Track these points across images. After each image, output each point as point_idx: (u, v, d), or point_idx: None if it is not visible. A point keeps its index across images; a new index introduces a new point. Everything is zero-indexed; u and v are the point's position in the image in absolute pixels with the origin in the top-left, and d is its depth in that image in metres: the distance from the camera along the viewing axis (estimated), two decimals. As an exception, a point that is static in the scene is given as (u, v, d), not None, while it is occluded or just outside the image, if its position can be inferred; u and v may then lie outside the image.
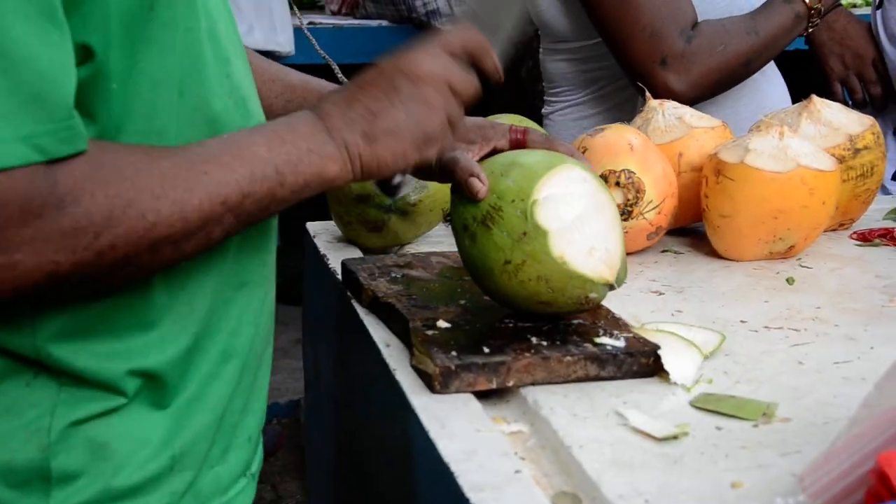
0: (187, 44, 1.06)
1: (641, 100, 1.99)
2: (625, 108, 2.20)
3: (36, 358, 1.04)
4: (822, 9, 2.10)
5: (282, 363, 4.32)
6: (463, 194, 1.31)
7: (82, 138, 0.95)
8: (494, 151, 1.41)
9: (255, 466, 1.24)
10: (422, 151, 1.14)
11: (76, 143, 0.95)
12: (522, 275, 1.27)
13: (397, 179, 1.24)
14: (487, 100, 2.40)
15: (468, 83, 1.18)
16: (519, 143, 1.41)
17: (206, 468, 1.14)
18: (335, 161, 1.09)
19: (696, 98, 2.02)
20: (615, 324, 1.33)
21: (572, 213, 1.28)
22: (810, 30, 2.13)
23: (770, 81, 2.27)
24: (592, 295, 1.29)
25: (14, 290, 0.94)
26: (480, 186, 1.30)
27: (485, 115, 1.82)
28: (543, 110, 2.35)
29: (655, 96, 1.93)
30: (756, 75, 2.14)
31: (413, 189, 1.71)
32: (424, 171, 1.40)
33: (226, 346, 1.15)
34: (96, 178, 0.96)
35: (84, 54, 0.98)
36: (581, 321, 1.33)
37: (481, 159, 1.39)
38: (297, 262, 2.04)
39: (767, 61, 2.13)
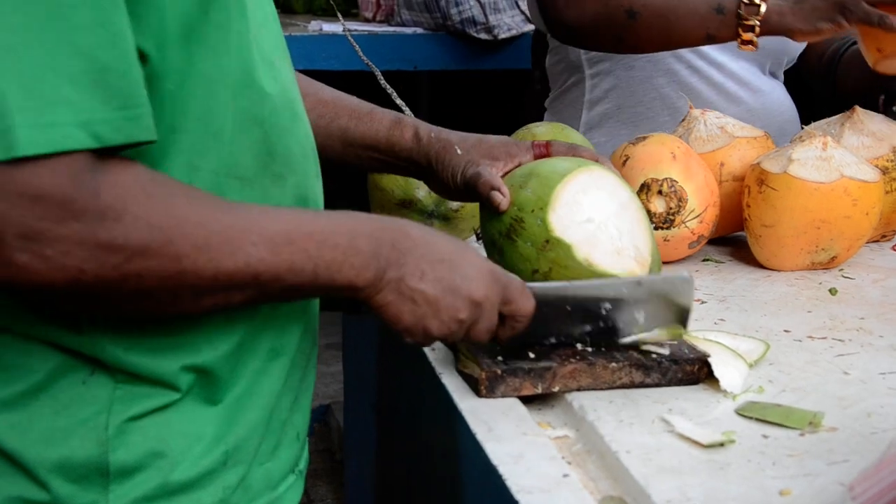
0: (239, 45, 1.08)
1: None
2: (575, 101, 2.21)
3: (92, 355, 1.06)
4: (760, 17, 1.84)
5: (312, 368, 4.34)
6: (488, 209, 1.33)
7: (148, 129, 0.97)
8: None
9: (303, 464, 1.26)
10: (409, 333, 1.15)
11: (138, 132, 0.96)
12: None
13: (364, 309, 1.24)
14: (528, 107, 2.40)
15: (482, 335, 1.19)
16: (543, 156, 1.43)
17: (257, 464, 1.16)
18: (366, 282, 1.10)
19: (579, 33, 1.98)
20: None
21: (594, 214, 1.29)
22: (744, 35, 1.86)
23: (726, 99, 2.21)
24: None
25: (32, 286, 0.94)
26: (501, 199, 1.33)
27: (523, 123, 1.84)
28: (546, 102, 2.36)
29: (551, 29, 1.99)
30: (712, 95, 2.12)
31: None
32: (448, 190, 1.43)
33: (274, 344, 1.16)
34: (143, 204, 0.97)
35: (139, 57, 1.00)
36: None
37: (504, 175, 1.41)
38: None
39: (664, 28, 1.93)
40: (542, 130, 1.80)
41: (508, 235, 1.31)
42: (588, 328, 1.26)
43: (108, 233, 0.95)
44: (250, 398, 1.14)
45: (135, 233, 0.96)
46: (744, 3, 1.84)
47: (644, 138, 1.74)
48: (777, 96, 2.22)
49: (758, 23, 1.83)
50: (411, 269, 1.12)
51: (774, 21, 1.83)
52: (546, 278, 1.29)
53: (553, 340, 1.26)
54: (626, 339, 1.27)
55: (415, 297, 1.12)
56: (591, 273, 1.28)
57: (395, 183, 1.75)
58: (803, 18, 1.81)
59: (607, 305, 1.25)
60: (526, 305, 1.20)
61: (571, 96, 2.23)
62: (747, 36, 1.84)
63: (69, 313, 1.05)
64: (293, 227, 1.06)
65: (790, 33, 1.84)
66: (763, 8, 1.83)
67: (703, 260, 1.79)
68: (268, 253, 1.03)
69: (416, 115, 1.58)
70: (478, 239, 1.84)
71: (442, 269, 1.14)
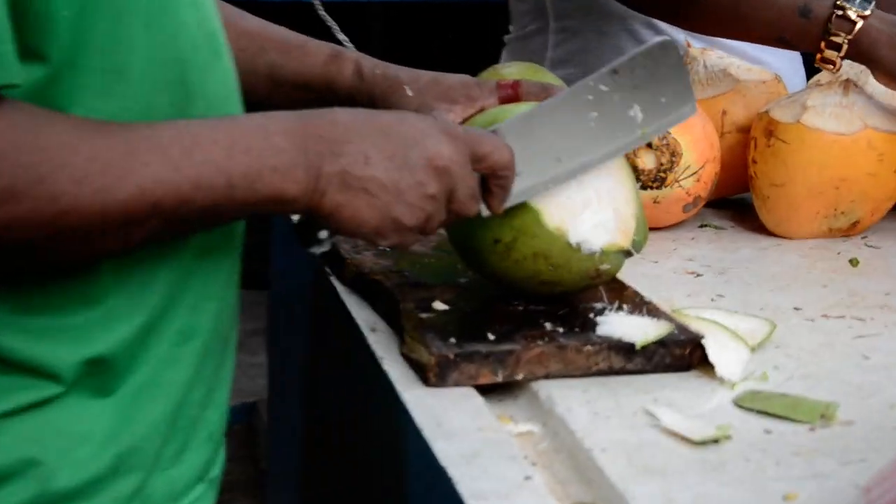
0: None
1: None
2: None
3: None
4: (851, 35, 1.74)
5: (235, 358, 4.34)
6: None
7: (7, 72, 0.97)
8: None
9: (217, 471, 1.26)
10: (379, 233, 1.16)
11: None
12: (516, 253, 1.30)
13: (323, 234, 1.23)
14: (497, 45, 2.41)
15: (466, 205, 1.21)
16: (510, 100, 1.43)
17: (158, 470, 1.15)
18: (298, 186, 1.10)
19: None
20: (644, 308, 1.35)
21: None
22: (826, 52, 1.76)
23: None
24: (604, 266, 1.32)
25: None
26: None
27: (493, 62, 1.85)
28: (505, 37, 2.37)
29: None
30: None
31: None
32: None
33: (185, 325, 1.16)
34: (10, 140, 0.97)
35: None
36: (603, 304, 1.35)
37: (464, 122, 1.41)
38: (260, 234, 2.06)
39: (732, 11, 1.86)
40: (511, 71, 1.81)
41: None
42: (579, 142, 1.28)
43: None
44: (151, 390, 1.13)
45: None
46: (836, 13, 1.73)
47: (630, 79, 1.75)
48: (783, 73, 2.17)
49: (846, 41, 1.73)
50: (352, 157, 1.12)
51: (865, 46, 1.72)
52: (511, 249, 1.30)
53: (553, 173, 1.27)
54: (632, 144, 1.30)
55: (368, 187, 1.13)
56: (563, 243, 1.29)
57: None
58: None
59: (593, 114, 1.27)
60: (503, 154, 1.21)
61: (533, 46, 2.24)
62: (830, 54, 1.75)
63: None
64: (191, 138, 1.06)
65: (877, 66, 1.74)
66: (859, 25, 1.72)
67: (701, 226, 1.81)
68: (165, 171, 1.03)
69: (365, 53, 1.59)
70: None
71: (388, 144, 1.15)
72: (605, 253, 1.31)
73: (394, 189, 1.14)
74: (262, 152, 1.08)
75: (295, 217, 1.48)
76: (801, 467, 1.08)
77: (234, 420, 3.97)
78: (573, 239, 1.30)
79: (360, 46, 1.79)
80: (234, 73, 1.23)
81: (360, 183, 1.13)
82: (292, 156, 1.10)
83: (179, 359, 1.16)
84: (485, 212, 1.24)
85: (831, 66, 1.75)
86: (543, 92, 1.44)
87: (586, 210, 1.31)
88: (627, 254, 1.33)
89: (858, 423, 1.17)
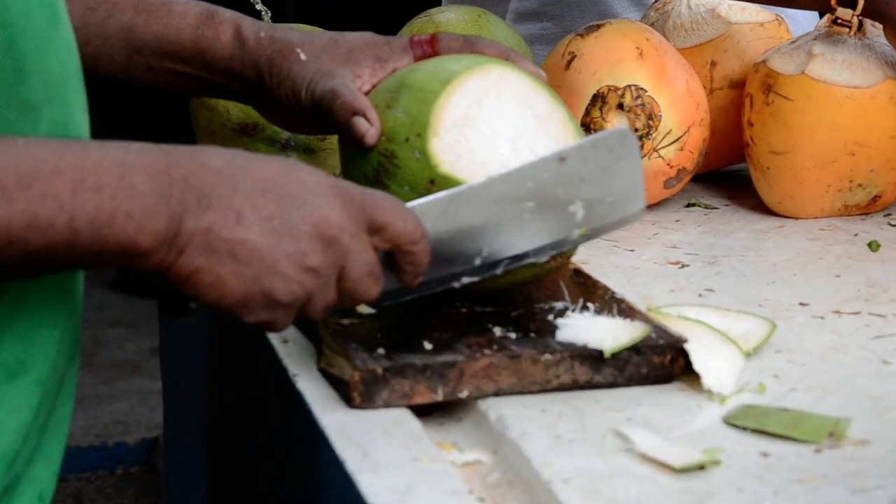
0: None
1: None
2: None
3: None
4: None
5: (130, 385, 4.33)
6: (349, 142, 1.34)
7: None
8: None
9: None
10: (244, 306, 1.15)
11: None
12: None
13: (193, 305, 1.25)
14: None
15: (361, 285, 1.19)
16: (428, 57, 1.43)
17: None
18: (154, 238, 1.09)
19: None
20: (615, 307, 1.36)
21: (498, 137, 1.31)
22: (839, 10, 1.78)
23: None
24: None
25: None
26: (367, 127, 1.33)
27: (416, 12, 1.86)
28: None
29: None
30: None
31: None
32: (287, 118, 1.45)
33: (11, 356, 1.14)
34: None
35: None
36: (565, 304, 1.36)
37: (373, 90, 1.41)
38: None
39: None
40: (448, 18, 1.81)
41: (377, 178, 1.32)
42: (508, 247, 1.28)
43: None
44: None
45: None
46: None
47: (597, 27, 1.76)
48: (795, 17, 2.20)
49: None
50: (222, 213, 1.12)
51: (882, 2, 1.74)
52: None
53: (463, 280, 1.28)
54: (568, 244, 1.31)
55: (236, 252, 1.12)
56: None
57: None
58: None
59: (529, 204, 1.28)
60: (407, 225, 1.20)
61: None
62: (844, 12, 1.76)
63: None
64: (31, 164, 1.04)
65: (890, 23, 1.75)
66: None
67: (688, 205, 1.82)
68: None
69: (280, 14, 1.58)
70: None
71: (266, 202, 1.14)
72: None
73: (268, 257, 1.14)
74: (117, 193, 1.07)
75: None
76: (805, 497, 1.09)
77: (133, 461, 3.96)
78: None
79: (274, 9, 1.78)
80: (75, 49, 1.21)
81: (228, 246, 1.12)
82: (152, 202, 1.08)
83: (4, 400, 1.15)
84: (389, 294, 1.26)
85: (846, 30, 1.76)
86: (467, 46, 1.44)
87: None
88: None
89: (875, 443, 1.18)
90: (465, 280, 1.28)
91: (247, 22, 1.46)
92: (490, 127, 1.32)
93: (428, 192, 1.28)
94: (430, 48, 1.44)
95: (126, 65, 1.46)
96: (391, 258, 1.22)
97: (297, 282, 1.15)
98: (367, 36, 1.45)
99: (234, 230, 1.12)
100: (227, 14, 1.46)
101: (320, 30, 1.48)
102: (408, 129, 1.32)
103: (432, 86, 1.33)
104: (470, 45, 1.43)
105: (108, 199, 1.06)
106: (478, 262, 1.28)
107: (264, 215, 1.14)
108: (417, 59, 1.43)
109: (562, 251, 1.31)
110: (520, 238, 1.29)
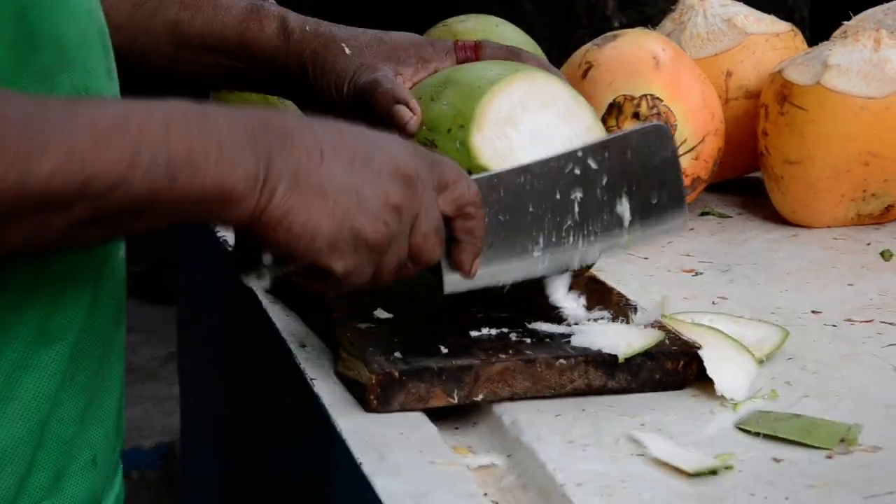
0: None
1: None
2: None
3: None
4: None
5: (145, 390, 4.31)
6: (388, 130, 1.35)
7: None
8: None
9: (112, 501, 1.25)
10: (334, 248, 1.15)
11: None
12: None
13: (267, 259, 1.23)
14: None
15: (428, 241, 1.20)
16: (470, 62, 1.45)
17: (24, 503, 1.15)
18: (247, 180, 1.09)
19: None
20: (630, 314, 1.37)
21: (538, 140, 1.32)
22: None
23: None
24: None
25: None
26: (410, 116, 1.35)
27: (446, 16, 1.86)
28: None
29: None
30: None
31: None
32: (328, 109, 1.43)
33: (43, 321, 1.14)
34: None
35: None
36: (579, 310, 1.36)
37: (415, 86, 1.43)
38: (170, 239, 2.06)
39: None
40: (467, 27, 1.82)
41: None
42: (559, 234, 1.30)
43: None
44: (4, 405, 1.12)
45: None
46: None
47: (613, 37, 1.76)
48: None
49: None
50: (305, 152, 1.12)
51: None
52: None
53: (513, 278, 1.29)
54: (612, 247, 1.32)
55: (325, 189, 1.12)
56: None
57: (249, 101, 1.75)
58: None
59: (577, 194, 1.29)
60: (470, 189, 1.22)
61: None
62: None
63: None
64: (121, 111, 1.05)
65: None
66: None
67: (702, 214, 1.83)
68: (93, 143, 1.01)
69: (297, 6, 1.59)
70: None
71: (345, 143, 1.15)
72: None
73: (356, 193, 1.14)
74: (205, 133, 1.07)
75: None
76: (817, 503, 1.09)
77: (148, 464, 3.96)
78: None
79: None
80: (97, 13, 1.21)
81: (317, 183, 1.12)
82: (240, 142, 1.08)
83: (38, 365, 1.14)
84: (450, 281, 1.27)
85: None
86: (509, 55, 1.45)
87: None
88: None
89: (886, 450, 1.18)
90: (519, 274, 1.29)
91: (292, 15, 1.47)
92: (531, 129, 1.34)
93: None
94: (473, 53, 1.45)
95: (173, 58, 1.47)
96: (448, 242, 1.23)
97: (383, 220, 1.15)
98: (412, 36, 1.47)
99: (321, 168, 1.13)
100: (273, 7, 1.47)
101: (365, 29, 1.49)
102: (451, 120, 1.33)
103: (479, 83, 1.35)
104: (513, 55, 1.45)
105: (199, 139, 1.06)
106: (536, 253, 1.29)
107: (346, 155, 1.14)
108: (460, 61, 1.44)
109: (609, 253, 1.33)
110: (571, 243, 1.31)
